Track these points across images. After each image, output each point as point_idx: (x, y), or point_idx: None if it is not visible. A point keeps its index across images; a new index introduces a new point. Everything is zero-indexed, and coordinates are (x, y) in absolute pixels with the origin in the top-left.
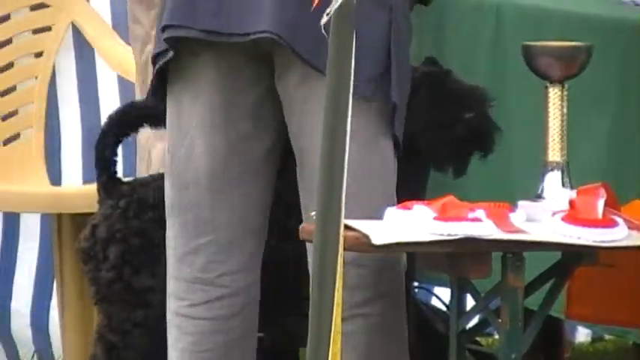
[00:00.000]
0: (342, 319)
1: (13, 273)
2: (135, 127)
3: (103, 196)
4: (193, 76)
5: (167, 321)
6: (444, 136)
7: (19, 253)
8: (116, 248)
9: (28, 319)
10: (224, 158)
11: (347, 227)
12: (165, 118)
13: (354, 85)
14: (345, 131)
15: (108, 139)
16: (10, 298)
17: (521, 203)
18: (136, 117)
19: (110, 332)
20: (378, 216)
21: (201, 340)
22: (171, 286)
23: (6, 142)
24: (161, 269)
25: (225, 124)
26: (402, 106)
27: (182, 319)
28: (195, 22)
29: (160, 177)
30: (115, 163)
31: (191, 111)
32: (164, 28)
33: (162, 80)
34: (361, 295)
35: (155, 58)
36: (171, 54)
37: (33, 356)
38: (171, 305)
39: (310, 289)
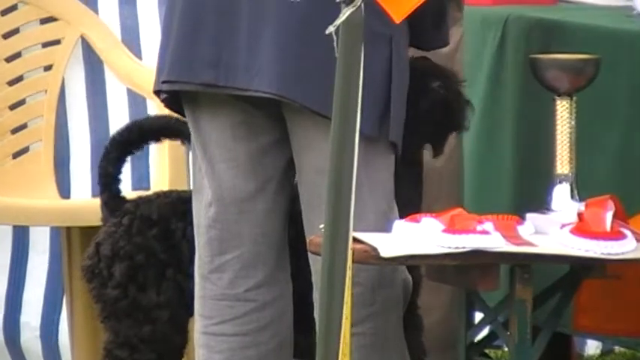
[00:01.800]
0: None
1: (23, 286)
2: (138, 146)
3: (105, 214)
4: (208, 101)
5: (194, 341)
6: (411, 110)
7: (28, 266)
8: (121, 266)
9: (37, 332)
10: (246, 171)
11: (355, 240)
12: (168, 135)
13: (362, 124)
14: (353, 144)
15: (111, 157)
16: (20, 311)
17: (529, 215)
18: (139, 136)
19: (118, 348)
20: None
21: (232, 357)
22: (197, 305)
23: (15, 156)
24: (167, 285)
25: (247, 137)
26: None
27: (210, 338)
28: (192, 76)
29: (164, 194)
30: (118, 181)
31: (211, 126)
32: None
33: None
34: (354, 314)
35: (157, 92)
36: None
37: None
38: (198, 325)
39: (317, 302)
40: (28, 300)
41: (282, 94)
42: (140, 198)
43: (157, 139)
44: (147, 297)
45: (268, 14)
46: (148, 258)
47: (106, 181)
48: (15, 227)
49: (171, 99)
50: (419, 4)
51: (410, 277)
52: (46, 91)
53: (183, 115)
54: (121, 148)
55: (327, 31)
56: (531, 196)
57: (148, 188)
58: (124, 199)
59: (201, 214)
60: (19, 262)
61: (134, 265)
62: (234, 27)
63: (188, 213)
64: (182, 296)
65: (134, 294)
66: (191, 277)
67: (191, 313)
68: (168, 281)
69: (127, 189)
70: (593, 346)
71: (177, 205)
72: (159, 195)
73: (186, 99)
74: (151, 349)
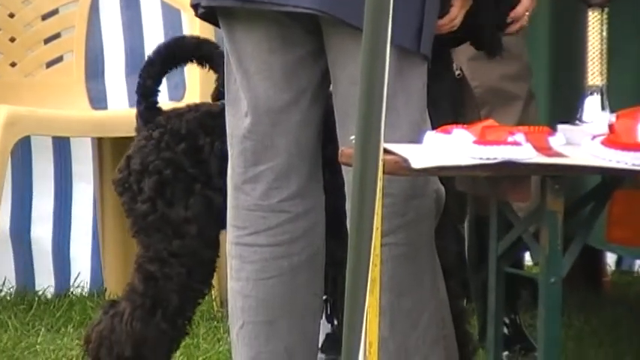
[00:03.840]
0: None
1: (71, 197)
2: (182, 61)
3: (140, 125)
4: (244, 14)
5: (227, 251)
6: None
7: (74, 177)
8: (150, 180)
9: (89, 246)
10: (281, 82)
11: (386, 151)
12: (209, 56)
13: (401, 37)
14: (385, 55)
15: (153, 69)
16: (70, 225)
17: (560, 127)
18: (182, 52)
19: (148, 262)
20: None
21: (264, 267)
22: (229, 216)
23: (49, 65)
24: (195, 200)
25: (282, 48)
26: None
27: (243, 249)
28: None
29: (195, 107)
30: (156, 92)
31: (246, 39)
32: None
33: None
34: (386, 224)
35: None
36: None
37: (78, 276)
38: (231, 236)
39: (349, 212)
40: (78, 212)
41: (320, 9)
42: (173, 111)
43: (200, 63)
44: (175, 212)
45: None
46: (176, 172)
47: (144, 92)
48: (55, 139)
49: (208, 12)
50: None
51: (443, 189)
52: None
53: (218, 26)
54: (165, 62)
55: None
56: (566, 108)
57: (182, 98)
58: (159, 110)
59: (236, 125)
60: (64, 173)
61: (162, 179)
62: None
63: (216, 128)
64: (211, 211)
65: (163, 209)
66: (220, 191)
67: (221, 228)
68: (196, 196)
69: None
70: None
71: (206, 119)
72: (190, 108)
73: (221, 12)
74: (180, 264)
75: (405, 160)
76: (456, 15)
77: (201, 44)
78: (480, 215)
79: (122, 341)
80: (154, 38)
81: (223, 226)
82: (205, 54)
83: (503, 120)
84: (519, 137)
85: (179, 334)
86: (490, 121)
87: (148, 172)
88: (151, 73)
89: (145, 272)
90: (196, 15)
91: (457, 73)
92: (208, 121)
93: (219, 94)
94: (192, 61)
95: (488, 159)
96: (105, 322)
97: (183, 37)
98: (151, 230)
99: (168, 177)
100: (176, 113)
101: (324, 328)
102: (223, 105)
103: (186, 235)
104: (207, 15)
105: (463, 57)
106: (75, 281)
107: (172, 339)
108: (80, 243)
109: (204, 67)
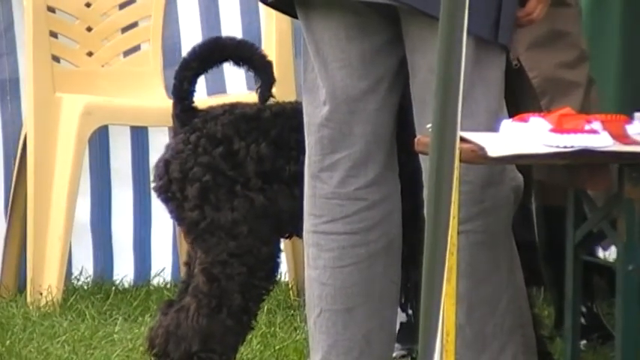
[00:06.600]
0: None
1: (150, 188)
2: (217, 63)
3: (177, 126)
4: (321, 2)
5: (304, 241)
6: None
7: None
8: (193, 188)
9: (170, 237)
10: (358, 70)
11: (462, 139)
12: (249, 57)
13: (478, 27)
14: (461, 43)
15: (187, 72)
16: (151, 217)
17: (637, 115)
18: (219, 53)
19: (211, 265)
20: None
21: (342, 255)
22: (306, 204)
23: (126, 54)
24: (239, 202)
25: (360, 36)
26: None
27: (320, 237)
28: None
29: (230, 109)
30: (192, 94)
31: (323, 27)
32: None
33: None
34: (463, 211)
35: None
36: None
37: (162, 271)
38: (308, 224)
39: (426, 201)
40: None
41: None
42: (209, 113)
43: (238, 64)
44: (223, 215)
45: None
46: (215, 177)
47: (180, 94)
48: (133, 129)
49: (283, 2)
50: None
51: (521, 177)
52: None
53: (293, 17)
54: (201, 63)
55: None
56: (637, 96)
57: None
58: (195, 110)
59: (313, 113)
60: (141, 163)
61: (204, 185)
62: None
63: (252, 131)
64: (255, 210)
65: (211, 214)
66: (261, 191)
67: (271, 226)
68: (239, 198)
69: (242, 88)
70: None
71: (240, 123)
72: (225, 110)
73: (299, 2)
74: (241, 263)
75: (482, 149)
76: (532, 10)
77: (240, 45)
78: (546, 205)
79: (189, 336)
80: (231, 26)
81: (272, 224)
82: (244, 55)
83: None
84: (596, 125)
85: (244, 329)
86: (567, 110)
87: (189, 180)
88: (187, 75)
89: (209, 275)
90: (269, 5)
91: (514, 63)
92: (243, 124)
93: (262, 97)
94: (227, 61)
95: (565, 147)
96: (170, 318)
97: (221, 38)
98: (206, 235)
99: (209, 182)
100: (212, 116)
101: (399, 317)
102: (258, 107)
103: (240, 235)
104: (282, 3)
105: (520, 47)
106: (156, 273)
107: (238, 333)
108: (161, 235)
109: (241, 68)
